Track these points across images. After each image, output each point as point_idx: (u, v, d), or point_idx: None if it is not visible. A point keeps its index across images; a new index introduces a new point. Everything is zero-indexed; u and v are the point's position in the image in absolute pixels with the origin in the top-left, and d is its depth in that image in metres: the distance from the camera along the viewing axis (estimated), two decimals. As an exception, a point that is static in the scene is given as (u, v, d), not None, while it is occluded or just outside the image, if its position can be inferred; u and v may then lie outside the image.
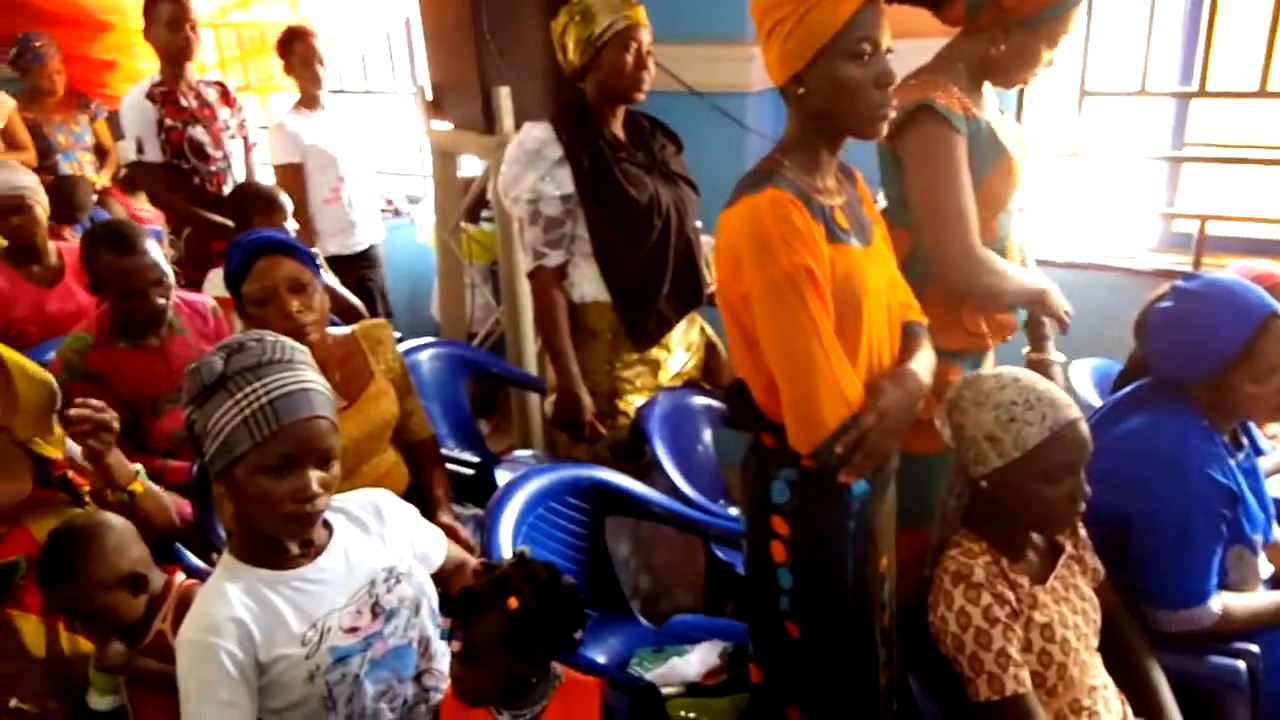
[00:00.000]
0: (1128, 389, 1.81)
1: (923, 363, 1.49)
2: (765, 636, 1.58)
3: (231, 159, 3.46)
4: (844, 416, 1.33)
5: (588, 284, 2.39)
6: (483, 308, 3.76)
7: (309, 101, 3.60)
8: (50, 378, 1.79)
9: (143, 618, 1.53)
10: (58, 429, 1.80)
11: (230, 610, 1.30)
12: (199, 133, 3.33)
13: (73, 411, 1.70)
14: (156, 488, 1.84)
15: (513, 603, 1.27)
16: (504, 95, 2.92)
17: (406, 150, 4.29)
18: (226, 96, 3.52)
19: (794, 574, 1.48)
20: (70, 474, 1.76)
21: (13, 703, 1.54)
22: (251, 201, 3.17)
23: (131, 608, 1.52)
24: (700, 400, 2.62)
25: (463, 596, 1.31)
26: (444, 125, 3.30)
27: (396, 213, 4.23)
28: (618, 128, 2.37)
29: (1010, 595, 1.39)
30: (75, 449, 1.84)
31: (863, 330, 1.40)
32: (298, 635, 1.32)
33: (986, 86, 1.85)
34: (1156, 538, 1.63)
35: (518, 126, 2.96)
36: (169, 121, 3.28)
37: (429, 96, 3.25)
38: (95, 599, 1.49)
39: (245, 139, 3.55)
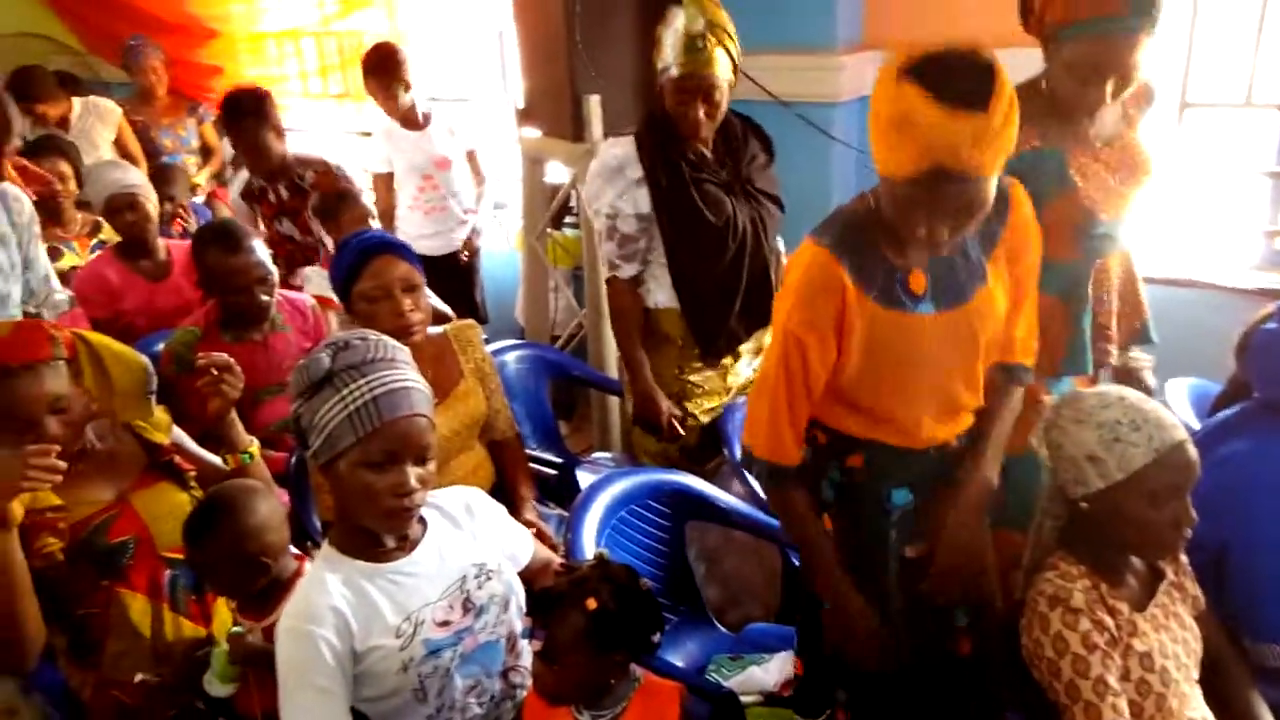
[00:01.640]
0: (1229, 411, 1.74)
1: (995, 442, 1.60)
2: (806, 629, 1.67)
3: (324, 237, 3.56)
4: (767, 458, 1.55)
5: (661, 292, 2.43)
6: (565, 311, 3.81)
7: (395, 114, 3.71)
8: (143, 359, 1.87)
9: (269, 598, 1.58)
10: (162, 415, 1.89)
11: (329, 599, 1.35)
12: (286, 226, 3.42)
13: (200, 363, 1.80)
14: (264, 465, 1.92)
15: (591, 603, 1.29)
16: (594, 104, 2.96)
17: (496, 157, 4.37)
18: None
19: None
20: (176, 459, 1.83)
21: (138, 677, 1.61)
22: (336, 200, 3.31)
23: (263, 582, 1.57)
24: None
25: (543, 596, 1.33)
26: (533, 133, 3.36)
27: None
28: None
29: (1109, 621, 1.35)
30: (181, 435, 1.93)
31: (909, 383, 1.51)
32: (392, 627, 1.36)
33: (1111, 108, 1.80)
34: (1259, 568, 1.57)
35: (606, 135, 3.01)
36: (261, 224, 3.38)
37: (521, 104, 3.31)
38: (234, 561, 1.54)
39: None
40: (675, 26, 2.21)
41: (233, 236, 2.40)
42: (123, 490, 1.74)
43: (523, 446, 2.34)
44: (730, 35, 2.23)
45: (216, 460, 1.92)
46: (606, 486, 2.06)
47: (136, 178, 3.13)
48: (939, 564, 1.58)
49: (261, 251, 2.44)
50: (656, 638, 1.35)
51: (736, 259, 2.36)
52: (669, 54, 2.22)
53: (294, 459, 2.28)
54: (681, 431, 2.45)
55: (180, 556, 1.75)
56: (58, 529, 1.62)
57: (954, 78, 1.29)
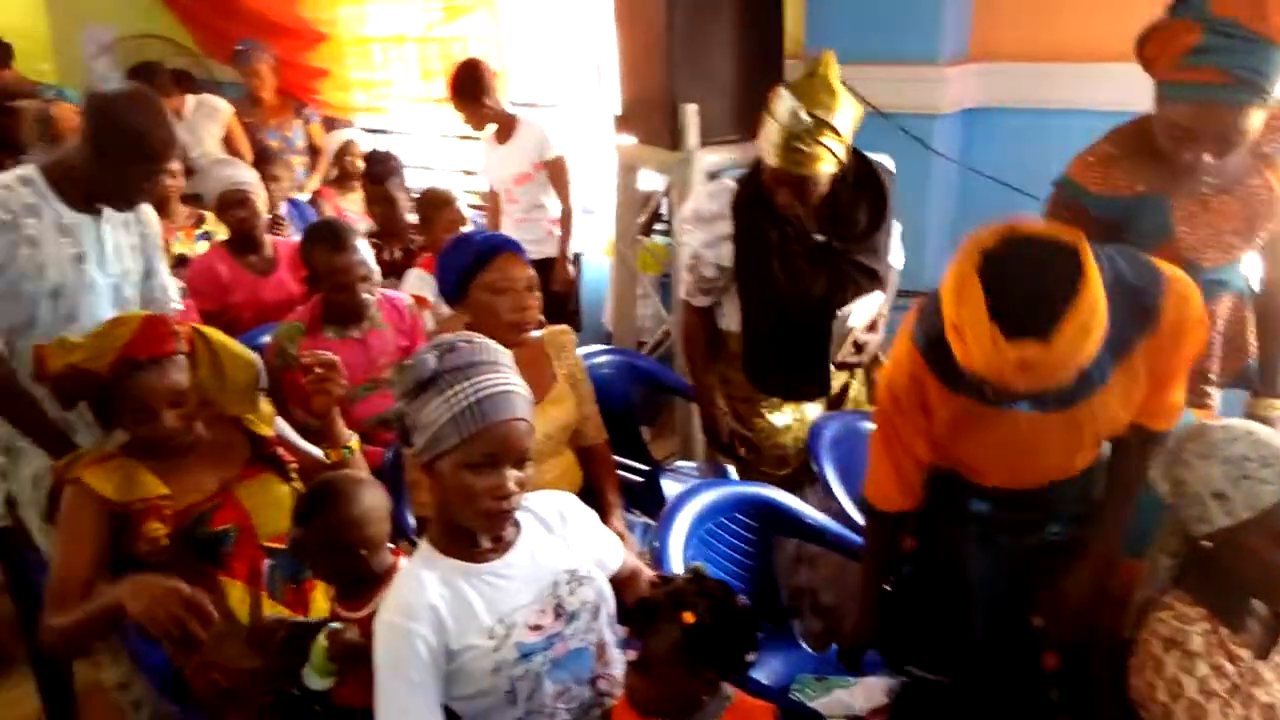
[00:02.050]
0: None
1: (1121, 512, 1.58)
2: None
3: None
4: (871, 501, 1.70)
5: (732, 320, 2.44)
6: (652, 318, 3.82)
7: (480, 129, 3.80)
8: (254, 357, 1.93)
9: (365, 590, 1.61)
10: (266, 407, 1.95)
11: (426, 596, 1.37)
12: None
13: (305, 361, 1.86)
14: (363, 460, 1.96)
15: (688, 617, 1.28)
16: (690, 112, 2.96)
17: (589, 163, 4.41)
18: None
19: (914, 565, 1.74)
20: (279, 451, 1.89)
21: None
22: (433, 204, 3.39)
23: (361, 571, 1.60)
24: (870, 426, 2.56)
25: (639, 607, 1.32)
26: (628, 140, 3.37)
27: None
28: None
29: (1230, 668, 1.28)
30: (284, 428, 1.99)
31: (1009, 460, 1.53)
32: (486, 627, 1.37)
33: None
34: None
35: (703, 143, 3.01)
36: None
37: (617, 111, 3.33)
38: (335, 547, 1.57)
39: None
40: (778, 116, 2.11)
41: (339, 236, 2.47)
42: (227, 480, 1.80)
43: (611, 453, 2.35)
44: (835, 130, 2.09)
45: (318, 453, 1.97)
46: (694, 497, 2.05)
47: (249, 175, 3.24)
48: (1054, 631, 1.60)
49: (365, 251, 2.50)
50: (751, 657, 1.33)
51: (802, 327, 2.35)
52: (768, 144, 2.13)
53: (390, 455, 2.32)
54: (740, 451, 2.48)
55: (280, 546, 1.80)
56: (164, 515, 1.69)
57: (1021, 293, 1.20)
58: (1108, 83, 2.81)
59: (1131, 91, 2.67)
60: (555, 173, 3.73)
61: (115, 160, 1.93)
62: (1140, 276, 1.40)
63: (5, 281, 1.91)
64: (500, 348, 1.47)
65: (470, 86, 3.64)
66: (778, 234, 2.24)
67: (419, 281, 3.30)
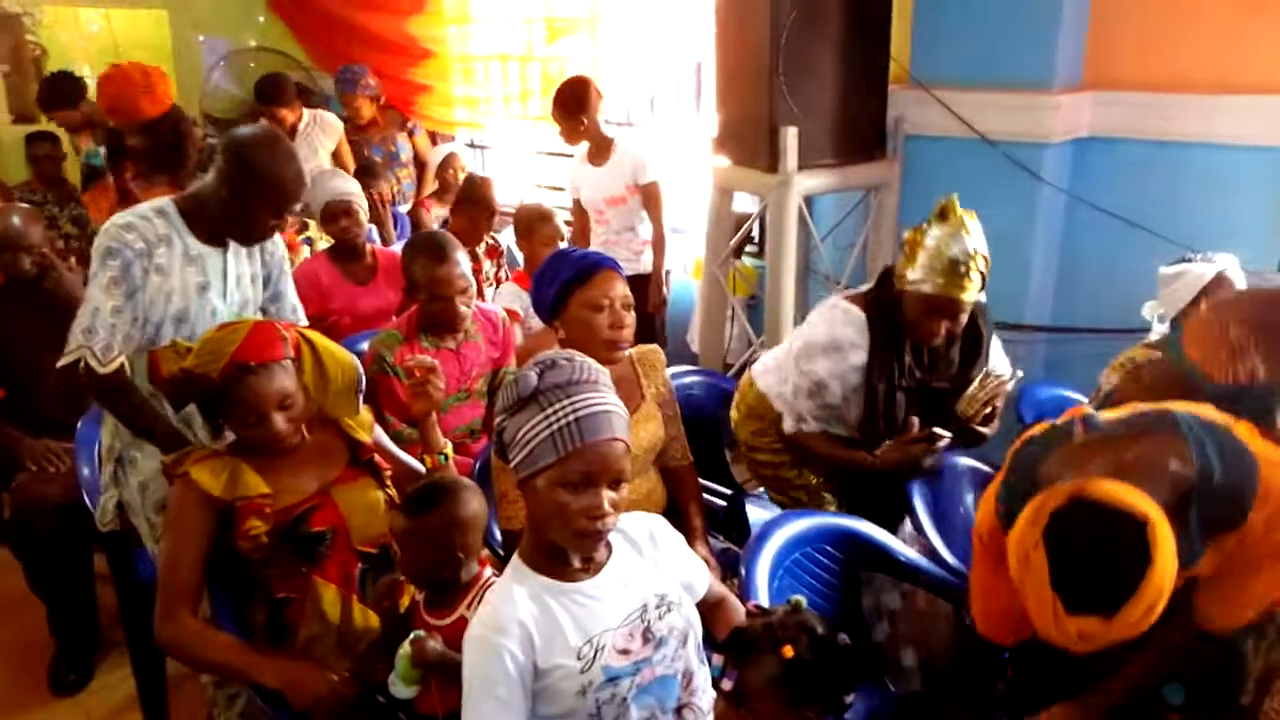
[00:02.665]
0: None
1: None
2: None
3: None
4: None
5: None
6: (739, 339, 3.79)
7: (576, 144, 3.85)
8: (356, 362, 1.97)
9: (452, 597, 1.63)
10: (366, 415, 1.99)
11: (516, 612, 1.36)
12: None
13: (408, 363, 1.94)
14: (454, 468, 1.99)
15: (788, 651, 1.25)
16: (790, 135, 2.94)
17: (680, 184, 4.42)
18: None
19: None
20: (376, 458, 1.92)
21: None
22: (532, 218, 3.45)
23: (452, 575, 1.62)
24: (965, 462, 2.50)
25: (736, 637, 1.30)
26: (723, 161, 3.37)
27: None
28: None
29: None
30: (381, 435, 2.03)
31: None
32: (574, 648, 1.36)
33: None
34: None
35: (800, 167, 2.99)
36: None
37: (714, 133, 3.33)
38: (436, 545, 1.60)
39: None
40: (935, 240, 2.16)
41: (441, 248, 2.51)
42: (325, 483, 1.83)
43: (697, 476, 2.33)
44: (986, 258, 2.18)
45: (413, 461, 2.00)
46: (782, 525, 2.01)
47: (353, 187, 3.34)
48: None
49: (465, 264, 2.54)
50: (850, 698, 1.29)
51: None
52: (923, 269, 2.17)
53: (478, 466, 2.35)
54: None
55: (373, 551, 1.83)
56: (265, 514, 1.73)
57: (1085, 570, 1.14)
58: (1233, 116, 2.71)
59: (1260, 125, 2.57)
60: (649, 197, 3.73)
61: (248, 202, 2.05)
62: (1231, 472, 1.27)
63: (136, 306, 2.01)
64: (599, 367, 1.47)
65: (573, 102, 3.67)
66: (898, 370, 2.30)
67: (512, 295, 3.34)
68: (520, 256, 3.72)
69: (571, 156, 3.97)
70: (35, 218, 2.95)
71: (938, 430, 2.25)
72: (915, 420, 2.29)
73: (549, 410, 1.35)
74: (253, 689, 1.72)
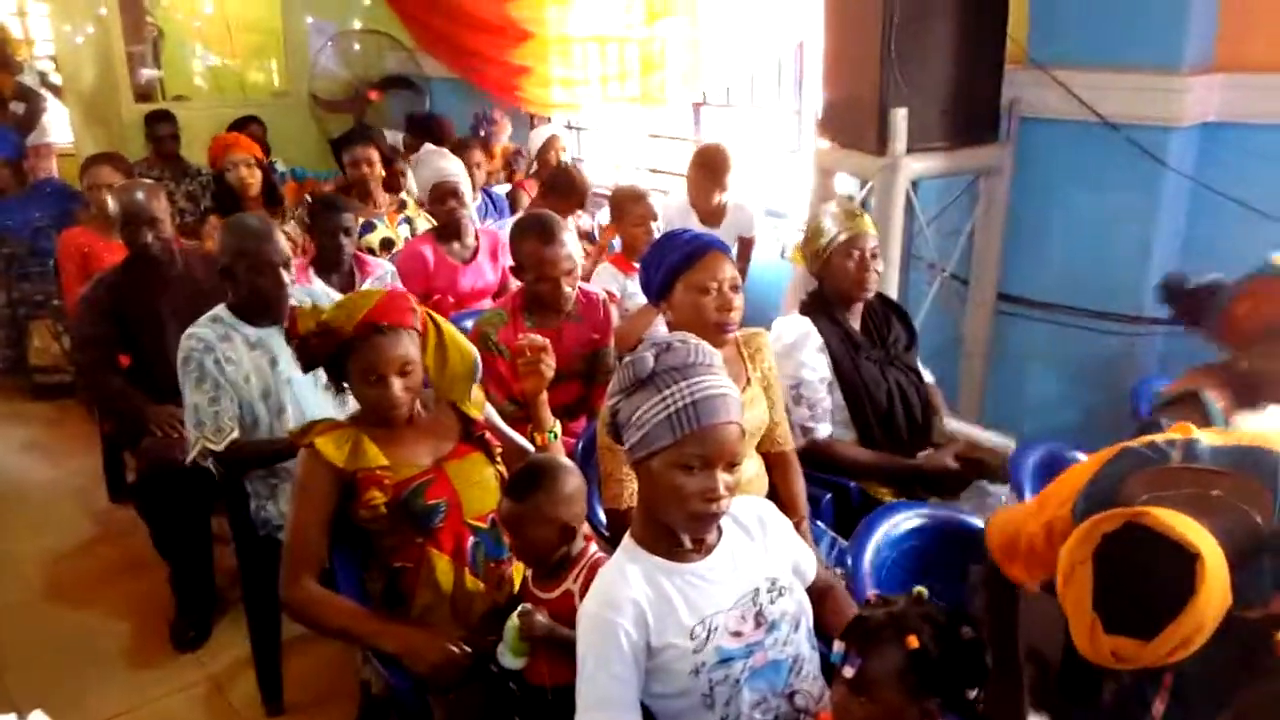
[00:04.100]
0: None
1: None
2: None
3: None
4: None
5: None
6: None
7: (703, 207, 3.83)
8: (476, 353, 2.02)
9: (559, 571, 1.66)
10: (478, 393, 2.03)
11: (630, 591, 1.38)
12: None
13: (520, 342, 2.01)
14: (561, 445, 2.04)
15: (912, 641, 1.23)
16: (900, 116, 2.87)
17: (777, 165, 4.37)
18: None
19: None
20: (487, 434, 1.96)
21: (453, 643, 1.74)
22: (626, 199, 3.47)
23: (556, 552, 1.66)
24: (1076, 456, 2.42)
25: (858, 625, 1.28)
26: (826, 144, 3.31)
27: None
28: (855, 322, 2.52)
29: None
30: (492, 413, 2.07)
31: None
32: (687, 628, 1.37)
33: None
34: None
35: (909, 149, 2.92)
36: None
37: (819, 114, 3.27)
38: (542, 522, 1.64)
39: None
40: (827, 209, 2.52)
41: (549, 229, 2.54)
42: (440, 458, 1.89)
43: (798, 461, 2.31)
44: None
45: (521, 439, 2.04)
46: (889, 516, 1.98)
47: (457, 168, 3.40)
48: None
49: (573, 245, 2.57)
50: (974, 694, 1.26)
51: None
52: (832, 228, 2.46)
53: (580, 446, 2.37)
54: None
55: (484, 525, 1.88)
56: (384, 485, 1.79)
57: (1128, 595, 1.13)
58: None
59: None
60: (744, 248, 3.86)
61: (237, 277, 2.38)
62: None
63: (224, 392, 2.34)
64: (713, 350, 1.47)
65: (715, 165, 3.69)
66: (853, 337, 2.50)
67: (609, 277, 3.36)
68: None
69: (663, 137, 3.96)
70: (157, 193, 3.07)
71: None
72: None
73: (666, 392, 1.36)
74: (373, 653, 1.78)
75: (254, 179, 4.05)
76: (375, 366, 1.79)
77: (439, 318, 1.95)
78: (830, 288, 2.50)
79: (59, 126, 5.93)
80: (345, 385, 1.87)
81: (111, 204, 3.13)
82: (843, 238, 2.43)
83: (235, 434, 2.33)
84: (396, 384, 1.80)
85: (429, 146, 3.66)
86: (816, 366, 2.41)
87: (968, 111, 3.04)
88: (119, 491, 3.56)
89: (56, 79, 5.96)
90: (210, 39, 6.58)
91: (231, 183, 3.99)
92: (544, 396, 2.00)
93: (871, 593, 1.47)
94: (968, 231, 3.30)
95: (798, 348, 2.41)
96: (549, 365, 1.98)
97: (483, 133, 4.99)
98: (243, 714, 2.49)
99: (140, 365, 2.95)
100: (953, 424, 2.53)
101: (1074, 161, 3.05)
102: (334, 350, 1.82)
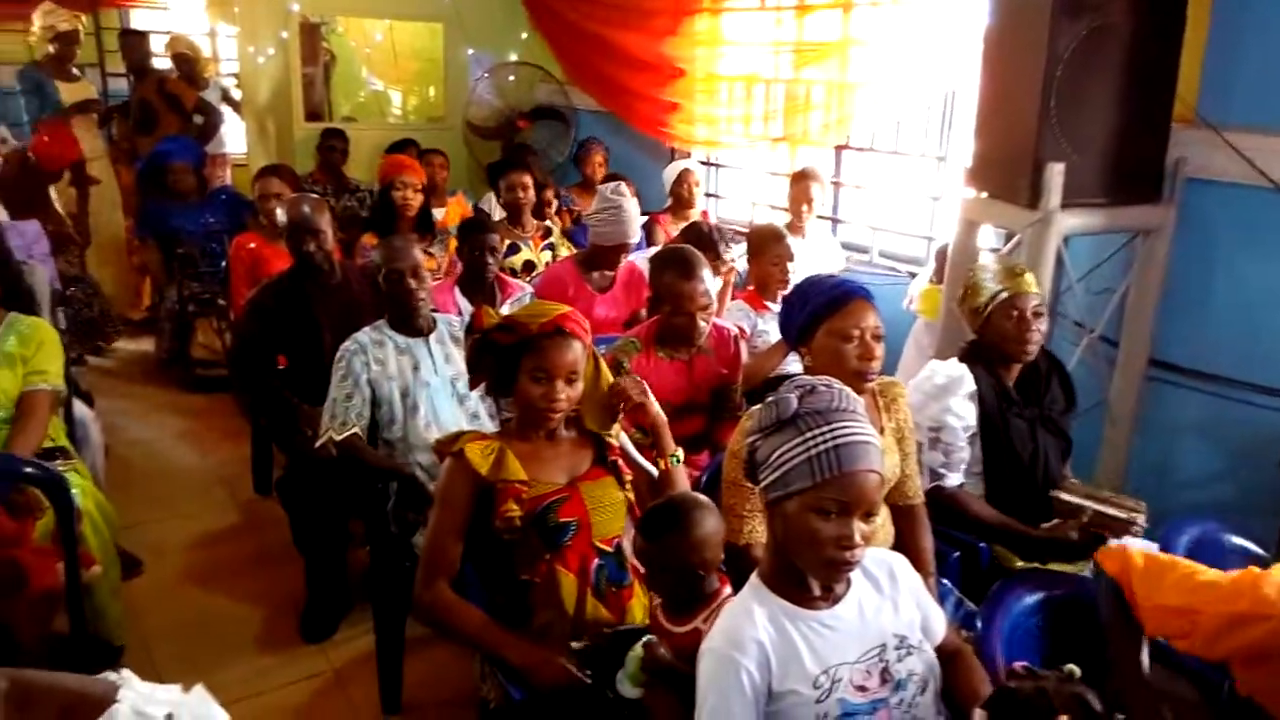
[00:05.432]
0: None
1: None
2: None
3: None
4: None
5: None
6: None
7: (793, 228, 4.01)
8: None
9: (691, 608, 1.68)
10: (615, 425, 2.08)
11: (755, 632, 1.38)
12: None
13: (624, 387, 2.04)
14: (684, 472, 2.07)
15: None
16: (1056, 171, 2.79)
17: (922, 215, 4.31)
18: None
19: None
20: (620, 460, 2.01)
21: (574, 644, 1.78)
22: (763, 237, 3.47)
23: (693, 591, 1.67)
24: (1232, 540, 2.27)
25: (1005, 697, 1.24)
26: (973, 194, 3.24)
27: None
28: (1012, 377, 2.46)
29: None
30: (625, 440, 2.10)
31: None
32: (810, 676, 1.36)
33: None
34: None
35: (1064, 205, 2.83)
36: None
37: (969, 163, 3.21)
38: (676, 563, 1.66)
39: None
40: (988, 266, 2.51)
41: (688, 264, 2.58)
42: (575, 477, 1.94)
43: (927, 516, 2.25)
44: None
45: (647, 463, 2.07)
46: (1026, 582, 1.92)
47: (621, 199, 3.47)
48: None
49: (710, 282, 2.60)
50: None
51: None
52: (993, 284, 2.43)
53: (703, 480, 2.39)
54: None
55: (609, 549, 1.91)
56: (521, 498, 1.85)
57: None
58: None
59: None
60: None
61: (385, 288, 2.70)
62: None
63: (361, 389, 2.62)
64: (856, 396, 1.47)
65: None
66: (1008, 392, 2.44)
67: (741, 313, 3.37)
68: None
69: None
70: (322, 208, 3.27)
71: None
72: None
73: (808, 435, 1.36)
74: (494, 665, 1.83)
75: (415, 202, 4.25)
76: (547, 367, 1.88)
77: (597, 352, 2.02)
78: (990, 344, 2.43)
79: (233, 139, 6.39)
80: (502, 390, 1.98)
81: (280, 214, 3.36)
82: (1004, 296, 2.38)
83: (357, 429, 2.61)
84: (561, 388, 1.88)
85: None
86: (963, 414, 2.35)
87: (1129, 168, 2.93)
88: (264, 485, 3.77)
89: (237, 95, 6.42)
90: (376, 65, 6.99)
91: (395, 200, 4.21)
92: (664, 420, 2.04)
93: (1019, 664, 1.42)
94: (1120, 292, 3.17)
95: (948, 391, 2.36)
96: (640, 403, 2.04)
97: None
98: (361, 710, 2.59)
99: (295, 367, 3.13)
100: (1074, 495, 2.39)
101: (1241, 226, 2.90)
102: (510, 346, 1.90)
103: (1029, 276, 2.43)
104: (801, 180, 4.12)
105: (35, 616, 2.23)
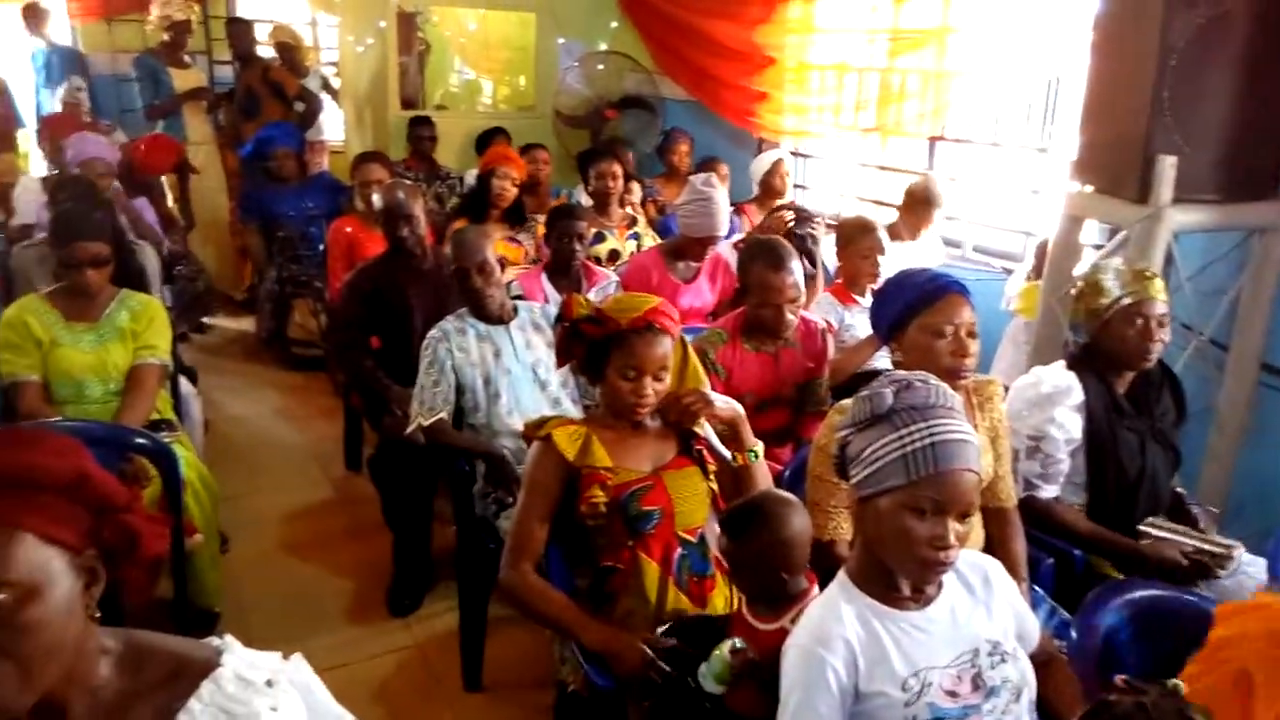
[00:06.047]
0: None
1: None
2: None
3: None
4: None
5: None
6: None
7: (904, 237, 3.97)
8: (705, 379, 2.07)
9: (778, 606, 1.66)
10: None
11: (843, 630, 1.36)
12: None
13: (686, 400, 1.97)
14: (765, 467, 2.04)
15: None
16: (1168, 164, 2.67)
17: (1023, 208, 4.17)
18: None
19: None
20: (705, 451, 2.00)
21: (668, 642, 1.78)
22: (854, 229, 3.40)
23: (779, 590, 1.65)
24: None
25: (1105, 711, 1.19)
26: (1077, 187, 3.12)
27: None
28: (1123, 386, 2.35)
29: None
30: (709, 431, 2.09)
31: None
32: (899, 678, 1.34)
33: None
34: None
35: (1176, 200, 2.71)
36: None
37: (1075, 156, 3.10)
38: (760, 563, 1.65)
39: None
40: (1113, 266, 2.36)
41: (779, 256, 2.55)
42: (660, 466, 1.94)
43: (1019, 520, 2.19)
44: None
45: (727, 453, 2.05)
46: (1122, 594, 1.84)
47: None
48: None
49: (799, 274, 2.57)
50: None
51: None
52: (1116, 289, 2.28)
53: (787, 474, 2.36)
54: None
55: (692, 539, 1.91)
56: (606, 485, 1.86)
57: None
58: None
59: None
60: None
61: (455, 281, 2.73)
62: None
63: (446, 376, 2.65)
64: (952, 393, 1.43)
65: (925, 202, 3.86)
66: (1118, 403, 2.34)
67: (829, 307, 3.32)
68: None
69: (892, 170, 3.93)
70: (416, 194, 3.35)
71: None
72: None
73: (903, 431, 1.33)
74: (576, 648, 1.85)
75: (511, 194, 4.32)
76: (637, 362, 1.88)
77: (687, 341, 2.01)
78: (1106, 350, 2.31)
79: (332, 126, 6.57)
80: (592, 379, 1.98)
81: (376, 199, 3.44)
82: (1127, 300, 2.25)
83: (443, 414, 2.64)
84: (650, 383, 1.89)
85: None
86: (1067, 425, 2.26)
87: (1244, 164, 2.79)
88: (355, 462, 3.89)
89: (336, 83, 6.58)
90: (469, 54, 7.08)
91: (493, 189, 4.28)
92: (743, 415, 2.00)
93: (1120, 677, 1.37)
94: (1232, 293, 3.02)
95: (1054, 401, 2.26)
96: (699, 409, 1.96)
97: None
98: (443, 684, 2.64)
99: (388, 348, 3.21)
100: (1162, 530, 2.27)
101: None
102: (599, 339, 1.91)
103: (1158, 282, 2.28)
104: (926, 208, 4.01)
105: (143, 581, 2.34)
